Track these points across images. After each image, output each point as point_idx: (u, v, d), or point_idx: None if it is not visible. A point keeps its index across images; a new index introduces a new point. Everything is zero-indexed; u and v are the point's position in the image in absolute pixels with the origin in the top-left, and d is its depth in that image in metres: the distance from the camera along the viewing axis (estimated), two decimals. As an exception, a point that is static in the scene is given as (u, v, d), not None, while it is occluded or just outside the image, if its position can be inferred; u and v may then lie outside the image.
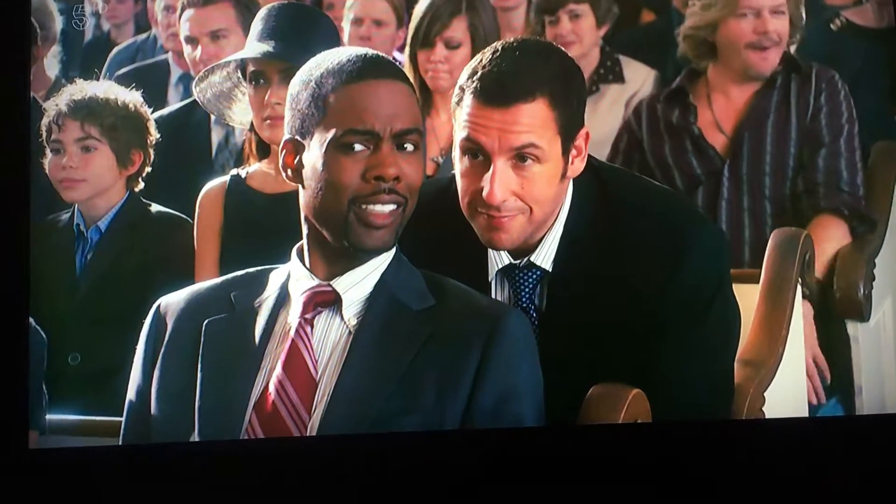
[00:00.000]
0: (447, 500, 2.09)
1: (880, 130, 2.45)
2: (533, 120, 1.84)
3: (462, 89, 1.88)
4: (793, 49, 2.50)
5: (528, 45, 1.91)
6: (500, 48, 1.88)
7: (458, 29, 2.51)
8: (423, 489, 2.08)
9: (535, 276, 1.95)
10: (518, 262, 1.95)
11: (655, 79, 2.63)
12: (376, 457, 1.98)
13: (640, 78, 2.64)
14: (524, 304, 1.95)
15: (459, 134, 1.88)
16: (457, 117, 1.89)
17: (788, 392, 2.16)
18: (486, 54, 1.88)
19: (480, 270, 1.96)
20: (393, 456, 1.98)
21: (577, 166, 1.93)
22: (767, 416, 2.08)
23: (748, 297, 2.11)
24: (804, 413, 2.22)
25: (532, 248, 1.94)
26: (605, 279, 1.91)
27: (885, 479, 2.09)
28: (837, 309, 2.37)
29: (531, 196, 1.87)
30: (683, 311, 1.90)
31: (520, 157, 1.86)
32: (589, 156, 1.95)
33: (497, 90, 1.84)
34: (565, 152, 1.89)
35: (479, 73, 1.86)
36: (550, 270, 1.94)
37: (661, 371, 1.90)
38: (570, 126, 1.88)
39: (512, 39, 1.92)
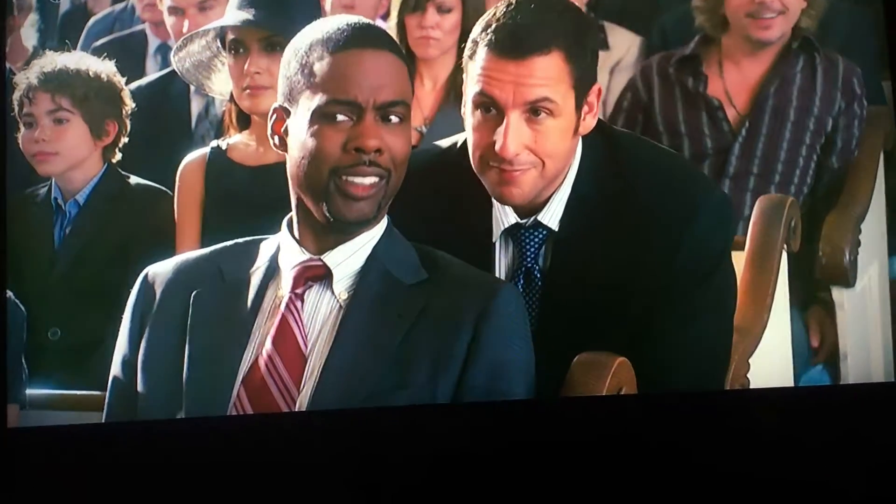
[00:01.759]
0: (431, 474, 2.09)
1: (869, 96, 2.44)
2: (548, 73, 1.83)
3: (475, 42, 1.86)
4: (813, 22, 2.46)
5: None
6: (514, 1, 1.86)
7: None
8: (408, 462, 2.08)
9: (540, 236, 1.94)
10: (524, 221, 1.94)
11: (641, 45, 2.61)
12: (366, 431, 1.97)
13: (624, 44, 2.62)
14: (528, 264, 1.94)
15: (472, 88, 1.86)
16: (469, 71, 1.87)
17: (773, 358, 2.17)
18: (500, 7, 1.86)
19: (485, 231, 1.95)
20: (383, 429, 1.96)
21: (589, 122, 1.91)
22: (752, 382, 2.09)
23: (734, 264, 2.10)
24: (789, 379, 2.23)
25: (539, 207, 1.93)
26: (611, 240, 1.91)
27: (871, 448, 2.10)
28: (823, 274, 2.37)
29: (544, 150, 1.86)
30: (688, 275, 1.90)
31: (533, 110, 1.84)
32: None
33: (512, 42, 1.82)
34: (578, 107, 1.88)
35: (493, 26, 1.84)
36: (556, 230, 1.93)
37: (662, 333, 1.90)
38: (583, 81, 1.87)
39: None
